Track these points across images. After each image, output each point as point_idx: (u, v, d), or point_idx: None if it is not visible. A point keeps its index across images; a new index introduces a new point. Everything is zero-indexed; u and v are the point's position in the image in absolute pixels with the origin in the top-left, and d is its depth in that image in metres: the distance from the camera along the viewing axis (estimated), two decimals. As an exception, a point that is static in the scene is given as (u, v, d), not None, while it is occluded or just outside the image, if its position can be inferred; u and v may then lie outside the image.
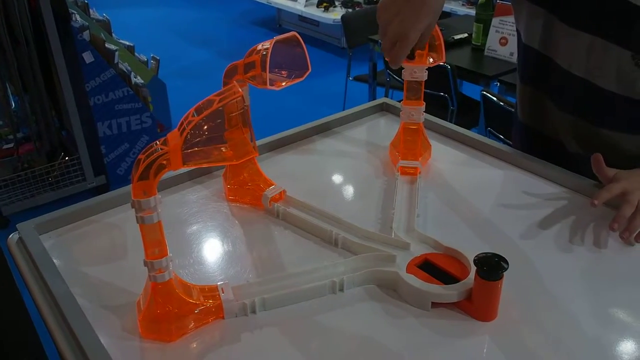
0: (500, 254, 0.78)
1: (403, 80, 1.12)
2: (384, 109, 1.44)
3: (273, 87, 0.90)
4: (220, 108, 0.66)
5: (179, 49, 5.50)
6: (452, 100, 2.65)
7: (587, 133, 1.11)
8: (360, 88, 3.45)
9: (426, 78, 1.09)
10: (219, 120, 0.67)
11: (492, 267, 0.77)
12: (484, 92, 2.19)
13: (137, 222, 0.69)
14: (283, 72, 0.94)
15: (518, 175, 1.15)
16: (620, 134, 1.08)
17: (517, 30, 1.26)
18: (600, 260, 0.92)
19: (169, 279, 0.75)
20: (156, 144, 0.68)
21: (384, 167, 1.18)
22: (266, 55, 0.89)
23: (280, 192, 1.05)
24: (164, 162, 0.67)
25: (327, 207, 1.01)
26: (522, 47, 1.21)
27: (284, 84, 0.92)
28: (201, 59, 5.26)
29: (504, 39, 2.57)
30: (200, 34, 6.02)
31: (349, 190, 1.12)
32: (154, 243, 0.72)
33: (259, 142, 1.22)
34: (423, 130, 1.17)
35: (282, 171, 1.18)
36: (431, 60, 1.07)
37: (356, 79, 3.42)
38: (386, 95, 3.16)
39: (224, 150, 0.68)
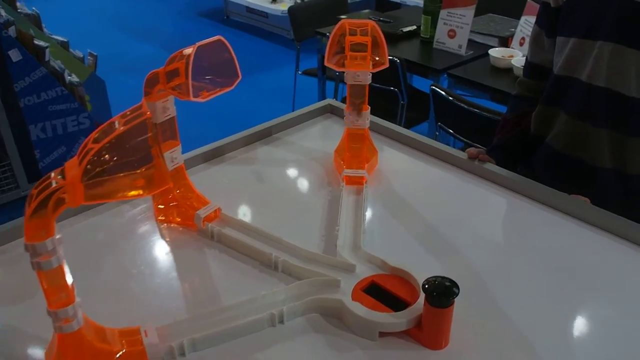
0: (450, 277, 0.71)
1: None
2: (329, 111, 1.35)
3: (198, 99, 0.80)
4: (125, 132, 0.57)
5: (119, 43, 5.26)
6: (402, 95, 2.59)
7: (618, 144, 1.06)
8: (310, 82, 3.36)
9: (370, 82, 1.02)
10: (127, 145, 0.58)
11: (442, 293, 0.70)
12: (434, 87, 2.13)
13: (33, 269, 0.59)
14: (210, 81, 0.84)
15: (471, 182, 1.09)
16: None
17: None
18: (559, 278, 0.86)
19: (77, 329, 0.65)
20: (51, 175, 0.58)
21: (329, 177, 1.10)
22: (189, 61, 0.79)
23: (215, 211, 0.96)
24: (63, 196, 0.57)
25: (267, 225, 0.92)
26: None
27: (210, 94, 0.83)
28: (144, 53, 5.05)
29: (452, 31, 2.52)
30: (142, 26, 5.78)
31: (291, 205, 1.04)
32: (57, 289, 0.62)
33: (191, 154, 1.13)
34: (369, 135, 1.09)
35: (218, 185, 1.08)
36: (373, 63, 0.99)
37: (305, 73, 3.32)
38: (336, 90, 3.08)
39: (132, 180, 0.58)
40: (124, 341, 0.71)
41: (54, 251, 0.59)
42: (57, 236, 0.59)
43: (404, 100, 2.61)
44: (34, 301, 0.81)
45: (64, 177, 0.57)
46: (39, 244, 0.57)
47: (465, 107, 2.00)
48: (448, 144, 1.49)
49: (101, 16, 6.03)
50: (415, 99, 2.75)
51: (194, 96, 0.80)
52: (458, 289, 0.69)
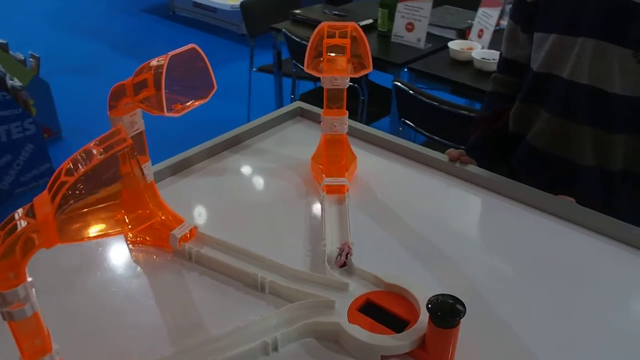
0: (448, 290, 0.68)
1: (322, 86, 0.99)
2: (300, 114, 1.30)
3: (172, 113, 0.74)
4: (104, 162, 0.50)
5: (61, 43, 5.03)
6: (362, 90, 2.56)
7: (601, 142, 1.04)
8: (266, 79, 3.29)
9: (348, 85, 0.97)
10: (103, 177, 0.51)
11: (447, 312, 0.66)
12: (396, 83, 2.10)
13: (3, 319, 0.52)
14: (182, 92, 0.78)
15: (453, 185, 1.06)
16: (636, 137, 1.01)
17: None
18: (560, 286, 0.83)
19: (56, 378, 0.58)
20: (16, 214, 0.51)
21: (307, 186, 1.05)
22: (161, 72, 0.73)
23: (191, 230, 0.89)
24: (33, 236, 0.51)
25: (247, 242, 0.87)
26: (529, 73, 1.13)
27: (185, 106, 0.77)
28: (88, 52, 4.84)
29: (410, 24, 2.50)
30: (85, 24, 5.55)
31: (270, 219, 0.98)
32: (31, 336, 0.55)
33: (158, 167, 1.05)
34: (347, 141, 1.05)
35: (189, 200, 1.02)
36: (354, 66, 0.94)
37: (260, 69, 3.25)
38: (293, 87, 3.02)
39: (113, 214, 0.52)
40: (105, 385, 0.64)
41: (27, 297, 0.52)
42: (29, 279, 0.52)
43: (365, 96, 2.58)
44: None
45: (33, 216, 0.50)
46: (9, 292, 0.50)
47: (430, 101, 1.98)
48: (410, 139, 1.46)
49: (42, 16, 5.76)
50: (375, 93, 2.72)
51: (168, 110, 0.73)
52: (464, 307, 0.65)
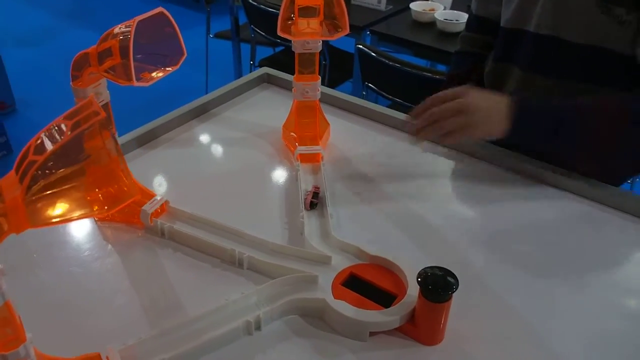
0: (432, 261, 0.67)
1: (285, 43, 0.94)
2: (266, 80, 1.26)
3: (141, 83, 0.69)
4: (75, 138, 0.46)
5: (12, 14, 4.77)
6: (324, 55, 2.50)
7: (567, 94, 1.00)
8: (223, 45, 3.18)
9: (320, 49, 0.93)
10: (76, 154, 0.47)
11: (438, 286, 0.65)
12: (359, 46, 2.06)
13: (-30, 312, 0.48)
14: (150, 60, 0.73)
15: (434, 152, 1.04)
16: (602, 89, 0.98)
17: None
18: (555, 260, 0.81)
19: (30, 370, 0.54)
20: (-17, 198, 0.46)
21: (279, 154, 1.02)
22: (128, 39, 0.68)
23: (162, 204, 0.85)
24: (1, 220, 0.46)
25: (222, 215, 0.83)
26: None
27: (154, 75, 0.72)
28: (40, 22, 4.59)
29: (371, -15, 2.44)
30: (32, -9, 5.27)
31: (244, 191, 0.94)
32: (2, 325, 0.51)
33: (123, 139, 1.00)
34: (320, 107, 1.01)
35: (157, 172, 0.97)
36: (329, 29, 0.90)
37: (217, 35, 3.14)
38: (252, 52, 2.94)
39: (88, 193, 0.48)
40: (83, 373, 0.61)
41: (-4, 288, 0.48)
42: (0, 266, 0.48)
43: (327, 60, 2.53)
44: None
45: (1, 200, 0.45)
46: (-24, 283, 0.46)
47: (393, 64, 1.94)
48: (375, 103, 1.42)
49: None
50: (336, 59, 2.67)
51: (137, 80, 0.68)
52: (456, 280, 0.64)
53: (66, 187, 0.46)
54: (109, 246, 0.82)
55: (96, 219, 0.86)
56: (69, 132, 0.46)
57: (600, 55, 0.94)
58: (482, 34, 1.18)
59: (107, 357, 0.62)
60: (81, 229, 0.85)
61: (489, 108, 0.87)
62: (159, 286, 0.76)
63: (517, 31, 1.04)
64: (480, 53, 1.17)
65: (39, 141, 0.46)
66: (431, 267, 0.66)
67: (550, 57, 1.00)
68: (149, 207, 0.83)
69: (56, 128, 0.46)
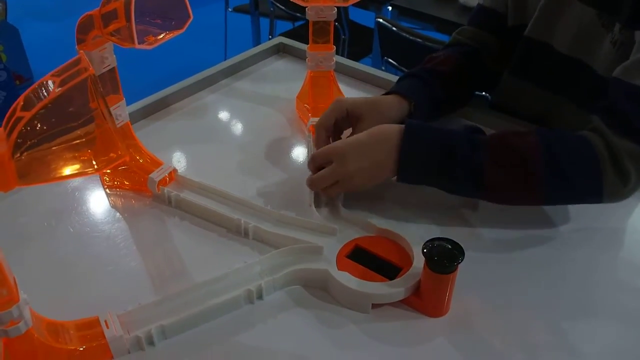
0: (440, 233, 0.65)
1: (305, 17, 0.92)
2: (281, 50, 1.23)
3: (144, 46, 0.67)
4: (63, 94, 0.44)
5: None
6: (343, 30, 2.47)
7: (570, 114, 0.92)
8: (242, 20, 3.16)
9: (335, 17, 0.91)
10: (64, 112, 0.46)
11: (444, 257, 0.63)
12: (379, 20, 2.02)
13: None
14: (155, 23, 0.71)
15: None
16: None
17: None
18: (561, 238, 0.79)
19: (26, 330, 0.54)
20: (-29, 155, 0.45)
21: (292, 126, 1.00)
22: (131, 1, 0.66)
23: (170, 173, 0.84)
24: (-11, 178, 0.45)
25: (229, 185, 0.82)
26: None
27: (159, 38, 0.70)
28: (59, -5, 4.64)
29: (393, -42, 2.38)
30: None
31: (253, 161, 0.93)
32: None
33: (132, 107, 0.99)
34: (334, 78, 0.99)
35: (167, 142, 0.96)
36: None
37: (236, 9, 3.12)
38: (271, 27, 2.91)
39: (77, 152, 0.47)
40: (82, 336, 0.60)
41: (-14, 247, 0.47)
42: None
43: (346, 35, 2.49)
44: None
45: (-11, 156, 0.45)
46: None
47: (414, 39, 1.90)
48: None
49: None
50: (356, 33, 2.63)
51: (139, 42, 0.67)
52: (462, 251, 0.62)
53: (55, 144, 0.45)
54: (117, 213, 0.81)
55: (105, 186, 0.86)
56: (57, 89, 0.45)
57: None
58: (484, 29, 1.00)
59: (105, 322, 0.62)
60: (90, 195, 0.84)
61: (369, 168, 0.77)
62: (164, 254, 0.76)
63: (541, 44, 0.93)
64: (475, 48, 0.99)
65: (27, 97, 0.45)
66: (438, 238, 0.64)
67: (537, 64, 0.94)
68: (156, 175, 0.82)
69: (45, 84, 0.45)
